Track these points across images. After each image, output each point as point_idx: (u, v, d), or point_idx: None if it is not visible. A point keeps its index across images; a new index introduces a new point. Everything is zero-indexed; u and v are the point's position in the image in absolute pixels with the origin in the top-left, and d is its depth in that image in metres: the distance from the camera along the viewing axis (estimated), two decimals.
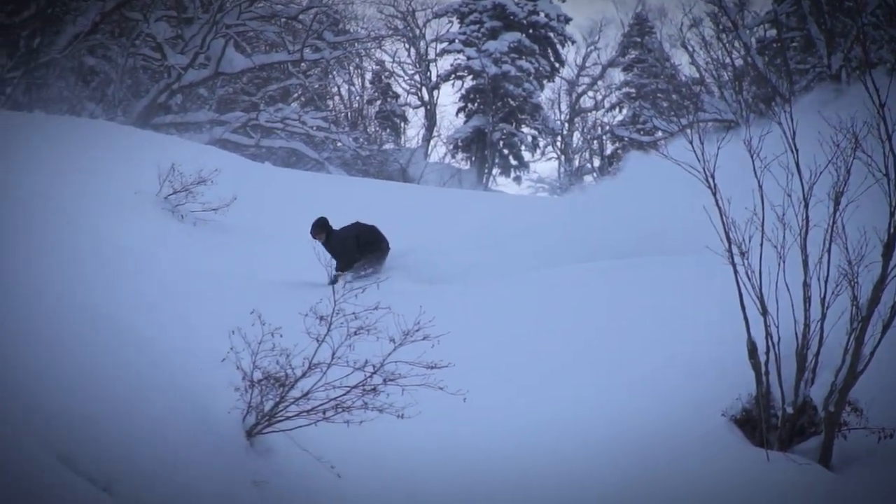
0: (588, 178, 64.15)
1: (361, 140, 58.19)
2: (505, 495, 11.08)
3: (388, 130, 65.52)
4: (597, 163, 67.58)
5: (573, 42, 64.75)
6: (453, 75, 62.65)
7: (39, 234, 12.60)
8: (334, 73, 61.78)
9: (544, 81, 63.97)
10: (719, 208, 11.95)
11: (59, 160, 20.03)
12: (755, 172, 12.01)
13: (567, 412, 12.87)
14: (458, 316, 14.49)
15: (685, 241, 16.95)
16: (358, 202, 24.91)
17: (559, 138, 67.03)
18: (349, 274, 19.38)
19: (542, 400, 13.30)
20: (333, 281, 18.76)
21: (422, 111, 65.51)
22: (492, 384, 13.22)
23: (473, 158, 62.35)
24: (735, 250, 11.82)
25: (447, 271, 19.77)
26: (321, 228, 20.18)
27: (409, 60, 65.45)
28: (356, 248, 20.31)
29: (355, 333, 9.98)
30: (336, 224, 20.26)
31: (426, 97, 64.86)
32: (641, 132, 61.19)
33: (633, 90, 64.74)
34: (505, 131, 61.42)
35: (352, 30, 59.37)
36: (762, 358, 11.71)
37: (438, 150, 65.49)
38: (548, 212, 26.71)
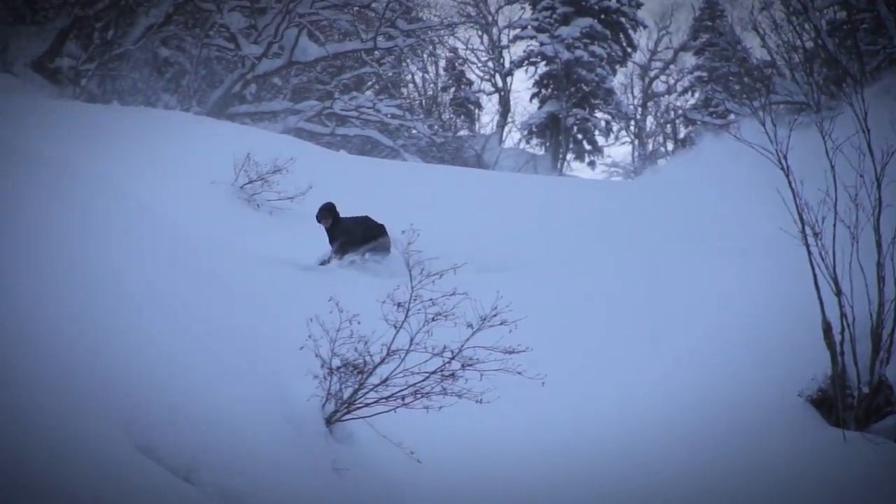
0: (662, 163, 63.75)
1: (436, 127, 58.16)
2: (586, 477, 11.08)
3: (462, 117, 65.42)
4: (670, 146, 67.32)
5: (645, 27, 64.50)
6: (526, 61, 62.54)
7: (119, 225, 12.69)
8: (408, 60, 61.72)
9: (617, 66, 63.74)
10: (792, 190, 11.89)
11: (136, 151, 20.19)
12: (827, 153, 11.95)
13: (645, 396, 12.86)
14: (534, 301, 14.46)
15: (757, 223, 16.86)
16: (433, 189, 24.90)
17: (632, 123, 66.87)
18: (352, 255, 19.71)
19: (619, 384, 13.29)
20: (325, 262, 19.30)
21: (496, 97, 65.54)
22: (569, 368, 13.21)
23: (548, 144, 62.22)
24: (808, 231, 11.76)
25: (520, 258, 19.73)
26: (328, 213, 20.05)
27: (482, 47, 65.47)
28: (360, 241, 20.15)
29: (433, 319, 9.98)
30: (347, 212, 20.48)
31: (500, 83, 64.84)
32: (714, 115, 60.78)
33: (704, 74, 64.32)
34: (579, 116, 61.23)
35: (425, 17, 59.34)
36: (837, 338, 11.65)
37: (513, 136, 65.45)
38: (621, 196, 26.56)
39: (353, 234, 19.94)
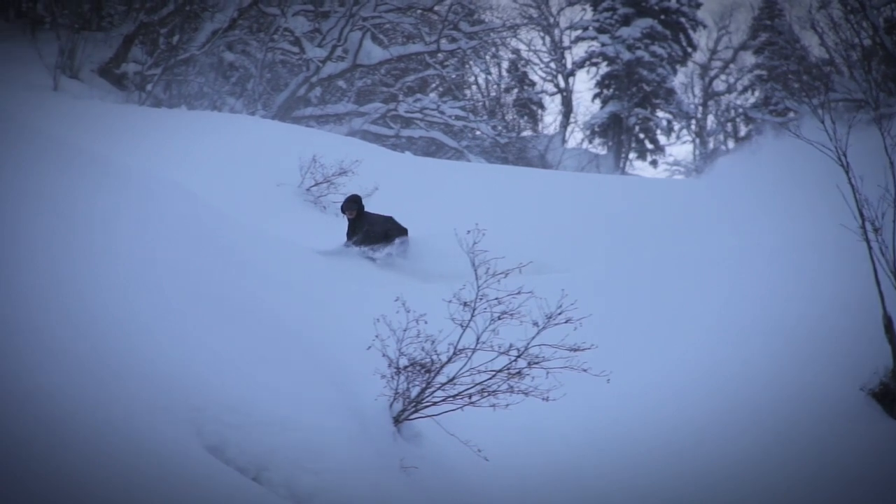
0: (721, 160, 63.72)
1: (500, 128, 58.24)
2: (650, 471, 11.07)
3: (525, 118, 65.64)
4: (731, 144, 67.17)
5: (704, 27, 64.57)
6: (588, 62, 62.73)
7: (186, 227, 12.79)
8: (471, 62, 61.86)
9: (677, 66, 63.82)
10: (852, 186, 11.87)
11: (204, 154, 20.31)
12: (886, 150, 11.93)
13: (709, 390, 12.82)
14: (598, 299, 14.45)
15: (818, 219, 16.81)
16: (497, 189, 24.91)
17: (693, 121, 66.85)
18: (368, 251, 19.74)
19: (683, 380, 13.26)
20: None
21: (558, 98, 65.83)
22: (633, 365, 13.19)
23: (610, 143, 62.34)
24: (868, 227, 11.74)
25: (584, 256, 19.71)
26: (355, 205, 20.06)
27: (544, 48, 65.73)
28: (380, 239, 20.10)
29: (499, 318, 9.99)
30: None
31: (562, 84, 65.07)
32: (773, 113, 60.70)
33: (764, 72, 64.34)
34: (640, 116, 61.28)
35: (487, 20, 59.47)
36: None
37: (575, 136, 65.65)
38: (683, 195, 26.48)
39: (373, 231, 19.92)
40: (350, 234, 20.13)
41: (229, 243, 14.02)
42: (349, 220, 20.01)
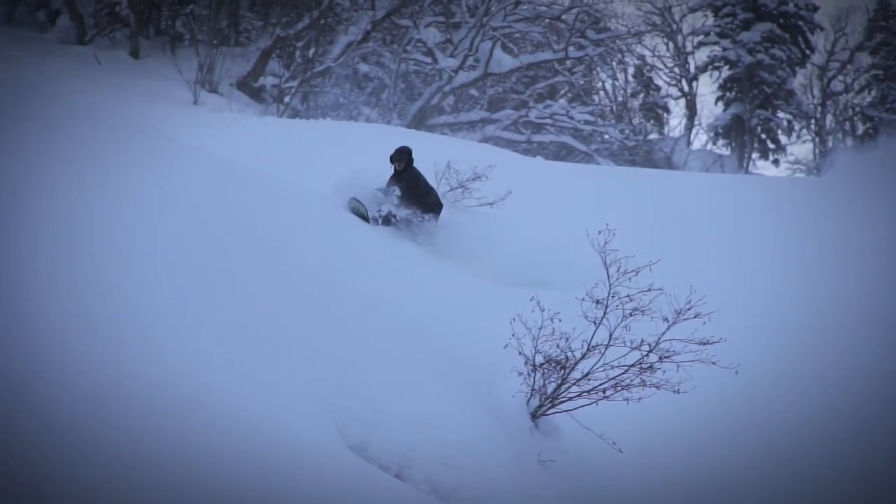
0: (839, 158, 63.16)
1: (627, 131, 58.22)
2: (780, 462, 11.00)
3: (651, 121, 65.62)
4: (849, 143, 66.41)
5: (822, 29, 63.90)
6: (711, 66, 62.46)
7: (327, 234, 12.96)
8: (598, 69, 61.95)
9: (796, 68, 63.27)
10: None
11: (340, 163, 20.43)
12: None
13: (831, 382, 12.71)
14: (725, 294, 14.35)
15: None
16: (626, 190, 24.82)
17: (813, 121, 66.22)
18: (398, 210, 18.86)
19: (806, 372, 13.15)
20: (381, 219, 18.61)
21: (682, 101, 65.58)
22: (760, 358, 13.08)
23: (733, 144, 61.95)
24: None
25: (711, 253, 19.58)
26: (405, 156, 19.30)
27: (668, 54, 65.67)
28: (424, 197, 19.14)
29: (630, 315, 10.00)
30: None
31: (686, 88, 64.88)
32: (891, 111, 60.02)
33: (880, 72, 63.58)
34: (762, 117, 60.81)
35: (612, 27, 59.46)
36: None
37: (700, 138, 65.54)
38: (803, 193, 26.18)
39: (416, 190, 19.06)
40: (392, 183, 19.23)
41: (357, 247, 14.18)
42: (396, 170, 19.21)
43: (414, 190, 19.02)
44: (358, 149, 21.55)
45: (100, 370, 5.96)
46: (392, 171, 19.30)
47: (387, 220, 18.66)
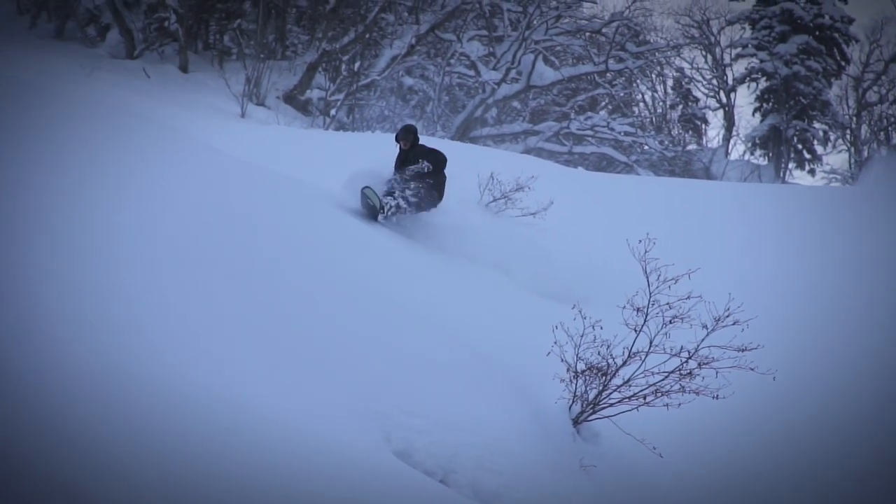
0: (874, 165, 63.21)
1: (666, 142, 58.19)
2: (822, 469, 10.99)
3: (690, 132, 65.61)
4: (884, 152, 66.20)
5: (857, 41, 63.67)
6: (748, 78, 62.35)
7: (360, 239, 13.05)
8: (638, 81, 62.03)
9: (832, 79, 63.12)
10: None
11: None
12: None
13: (870, 387, 12.69)
14: (763, 301, 14.34)
15: None
16: (665, 200, 24.81)
17: (848, 131, 66.00)
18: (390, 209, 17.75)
19: (844, 377, 13.13)
20: (375, 209, 17.62)
21: (720, 113, 65.54)
22: (799, 365, 13.08)
23: (770, 154, 61.81)
24: None
25: (748, 261, 19.55)
26: (411, 135, 18.57)
27: (706, 66, 65.69)
28: (433, 174, 18.24)
29: (670, 322, 10.04)
30: None
31: (724, 99, 64.82)
32: None
33: None
34: (798, 127, 60.68)
35: (652, 40, 59.57)
36: None
37: (738, 149, 65.38)
38: (838, 202, 26.10)
39: (434, 160, 18.23)
40: (398, 166, 18.49)
41: (404, 256, 14.25)
42: (401, 149, 18.54)
43: (429, 172, 18.22)
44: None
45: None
46: (398, 152, 18.67)
47: (398, 209, 17.80)
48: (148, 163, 10.49)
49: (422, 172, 18.11)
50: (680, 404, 9.99)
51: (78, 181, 8.66)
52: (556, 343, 10.09)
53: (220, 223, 10.03)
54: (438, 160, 18.35)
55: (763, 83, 61.88)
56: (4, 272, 6.43)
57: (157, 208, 9.28)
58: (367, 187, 17.82)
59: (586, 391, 10.34)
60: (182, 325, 7.50)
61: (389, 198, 17.85)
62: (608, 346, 10.14)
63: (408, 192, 17.95)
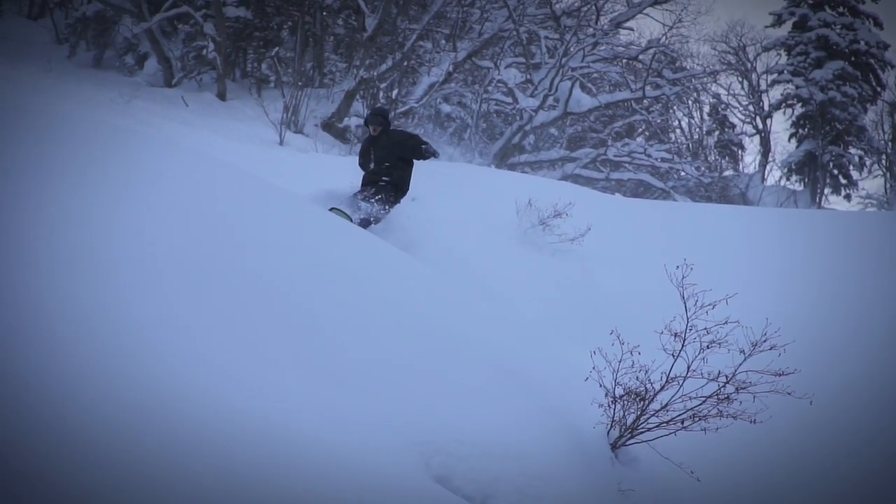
0: None
1: (703, 168, 58.21)
2: (866, 495, 10.98)
3: (726, 158, 65.64)
4: None
5: (892, 66, 63.52)
6: (784, 104, 62.28)
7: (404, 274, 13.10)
8: (674, 107, 62.11)
9: (867, 105, 62.96)
10: None
11: (426, 200, 20.60)
12: None
13: None
14: (799, 324, 14.33)
15: None
16: (703, 226, 24.80)
17: (883, 156, 65.81)
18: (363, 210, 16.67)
19: (890, 406, 13.10)
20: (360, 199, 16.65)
21: (757, 139, 65.59)
22: (836, 389, 13.06)
23: (806, 180, 61.67)
24: None
25: (784, 287, 19.54)
26: (382, 118, 17.29)
27: (742, 92, 65.77)
28: (414, 148, 16.96)
29: (707, 347, 10.05)
30: None
31: (760, 125, 64.83)
32: None
33: None
34: (834, 153, 60.52)
35: (688, 67, 59.65)
36: None
37: (774, 174, 65.34)
38: (874, 227, 26.04)
39: (401, 146, 16.99)
40: (365, 156, 17.33)
41: (448, 287, 14.28)
42: (371, 136, 17.25)
43: (399, 147, 17.13)
44: (440, 187, 21.67)
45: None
46: (367, 141, 17.58)
47: (365, 223, 16.54)
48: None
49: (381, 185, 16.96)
50: (717, 429, 10.00)
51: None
52: (594, 368, 10.13)
53: (250, 250, 10.08)
54: (427, 149, 17.08)
55: (799, 109, 61.83)
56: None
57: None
58: (333, 209, 16.39)
59: (624, 416, 10.37)
60: (224, 346, 7.54)
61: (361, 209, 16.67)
62: (646, 371, 10.17)
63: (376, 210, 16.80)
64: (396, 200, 17.21)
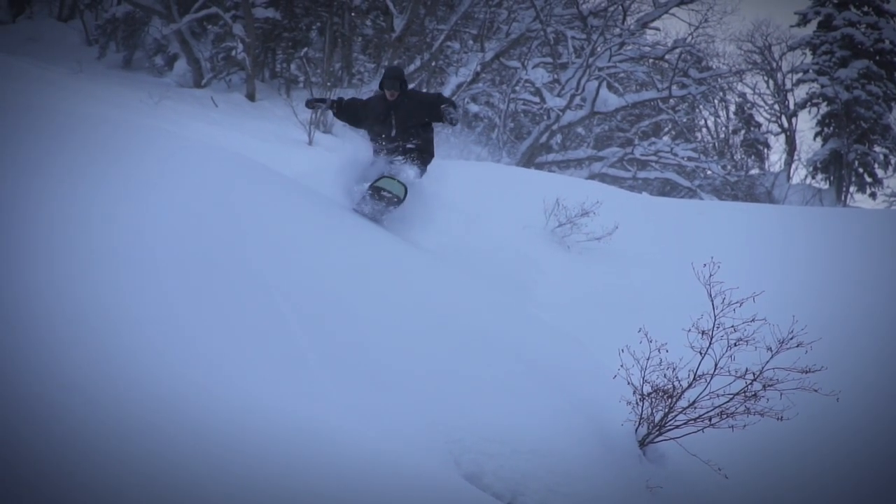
0: None
1: (729, 167, 58.05)
2: (886, 489, 10.95)
3: (752, 157, 65.42)
4: None
5: None
6: (809, 102, 62.05)
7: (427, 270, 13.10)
8: (700, 106, 61.97)
9: (892, 103, 62.70)
10: None
11: (454, 199, 20.63)
12: None
13: None
14: (827, 322, 14.30)
15: None
16: (728, 224, 24.74)
17: None
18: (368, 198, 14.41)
19: None
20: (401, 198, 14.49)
21: (782, 137, 65.26)
22: (864, 386, 13.04)
23: (831, 178, 61.44)
24: None
25: (810, 284, 19.50)
26: (399, 81, 14.68)
27: (768, 91, 65.50)
28: (434, 108, 14.67)
29: (735, 345, 10.04)
30: None
31: (785, 124, 64.55)
32: None
33: None
34: (859, 151, 60.30)
35: (714, 66, 59.50)
36: None
37: (799, 173, 65.23)
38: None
39: (423, 108, 14.68)
40: (383, 128, 14.86)
41: (477, 289, 14.28)
42: (388, 101, 14.74)
43: (426, 107, 14.82)
44: (470, 187, 21.69)
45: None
46: (381, 106, 14.95)
47: (377, 193, 14.34)
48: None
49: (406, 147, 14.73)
50: (745, 426, 9.99)
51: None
52: (622, 366, 10.13)
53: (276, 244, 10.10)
54: (443, 102, 14.78)
55: (824, 108, 61.60)
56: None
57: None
58: (383, 178, 14.44)
59: (652, 413, 10.36)
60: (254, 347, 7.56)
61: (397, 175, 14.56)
62: (674, 369, 10.16)
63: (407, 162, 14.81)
64: (425, 166, 15.19)
